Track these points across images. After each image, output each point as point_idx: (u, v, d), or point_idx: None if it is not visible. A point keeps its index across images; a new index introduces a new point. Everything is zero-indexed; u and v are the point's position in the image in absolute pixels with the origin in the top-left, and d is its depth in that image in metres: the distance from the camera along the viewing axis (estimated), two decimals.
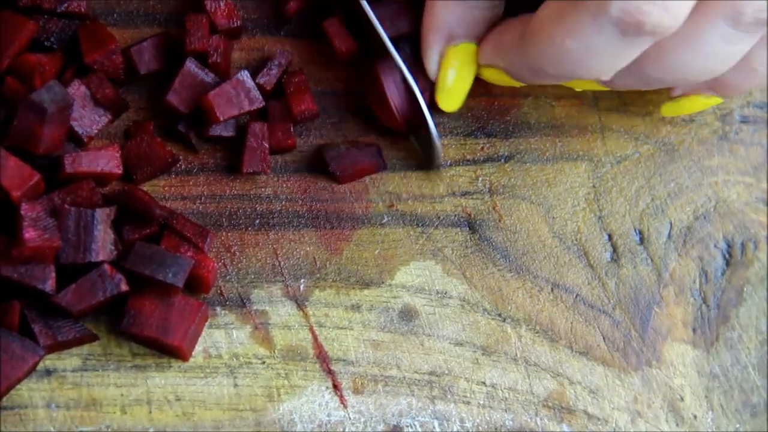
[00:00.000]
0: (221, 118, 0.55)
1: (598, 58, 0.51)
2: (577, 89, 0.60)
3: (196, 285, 0.54)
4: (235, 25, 0.58)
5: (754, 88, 0.59)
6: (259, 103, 0.56)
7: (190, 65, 0.56)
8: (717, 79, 0.55)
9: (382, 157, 0.59)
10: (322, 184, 0.58)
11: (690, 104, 0.59)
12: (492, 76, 0.57)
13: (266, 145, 0.57)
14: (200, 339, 0.54)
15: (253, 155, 0.57)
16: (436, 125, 0.58)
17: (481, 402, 0.56)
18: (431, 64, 0.57)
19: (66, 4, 0.56)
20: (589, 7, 0.49)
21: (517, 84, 0.57)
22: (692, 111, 0.59)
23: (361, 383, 0.56)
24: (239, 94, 0.56)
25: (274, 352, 0.55)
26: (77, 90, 0.55)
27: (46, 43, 0.56)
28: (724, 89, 0.57)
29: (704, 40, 0.51)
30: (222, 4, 0.58)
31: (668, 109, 0.60)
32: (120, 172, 0.54)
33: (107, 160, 0.54)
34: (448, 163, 0.60)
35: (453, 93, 0.57)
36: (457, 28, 0.56)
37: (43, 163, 0.53)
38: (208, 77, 0.56)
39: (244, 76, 0.56)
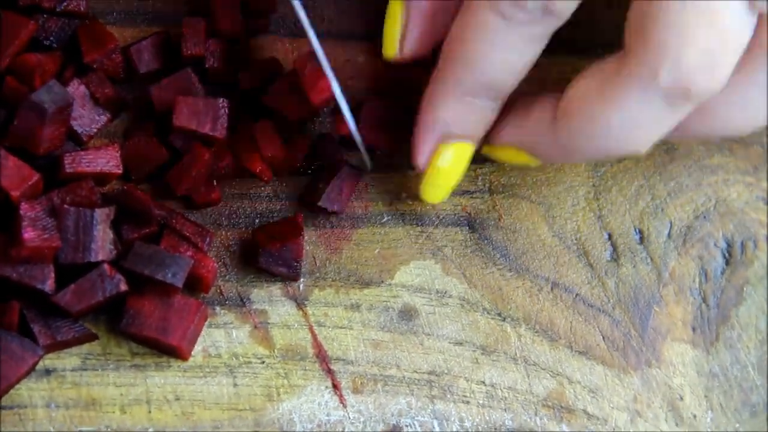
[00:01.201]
0: (176, 124, 0.54)
1: (641, 130, 0.50)
2: (508, 162, 0.58)
3: (195, 285, 0.54)
4: (237, 29, 0.57)
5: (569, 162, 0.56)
6: (221, 133, 0.55)
7: (190, 74, 0.56)
8: (528, 139, 0.54)
9: (356, 166, 0.58)
10: None
11: (505, 154, 0.57)
12: (507, 155, 0.56)
13: (193, 174, 0.54)
14: (200, 338, 0.54)
15: (181, 173, 0.55)
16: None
17: (481, 401, 0.56)
18: (421, 159, 0.55)
19: (66, 3, 0.56)
20: (637, 80, 0.48)
21: (535, 163, 0.56)
22: (511, 162, 0.57)
23: (361, 383, 0.56)
24: (207, 114, 0.55)
25: (273, 351, 0.55)
26: (77, 89, 0.55)
27: (45, 42, 0.56)
28: (535, 153, 0.55)
29: (751, 95, 0.51)
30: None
31: (488, 150, 0.57)
32: (120, 171, 0.54)
33: (107, 160, 0.53)
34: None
35: (441, 188, 0.56)
36: (455, 127, 0.54)
37: (42, 163, 0.53)
38: (199, 92, 0.56)
39: (222, 102, 0.55)
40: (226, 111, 0.55)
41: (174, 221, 0.54)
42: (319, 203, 0.56)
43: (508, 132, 0.55)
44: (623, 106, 0.49)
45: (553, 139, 0.53)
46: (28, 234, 0.50)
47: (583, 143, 0.51)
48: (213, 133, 0.55)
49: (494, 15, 0.50)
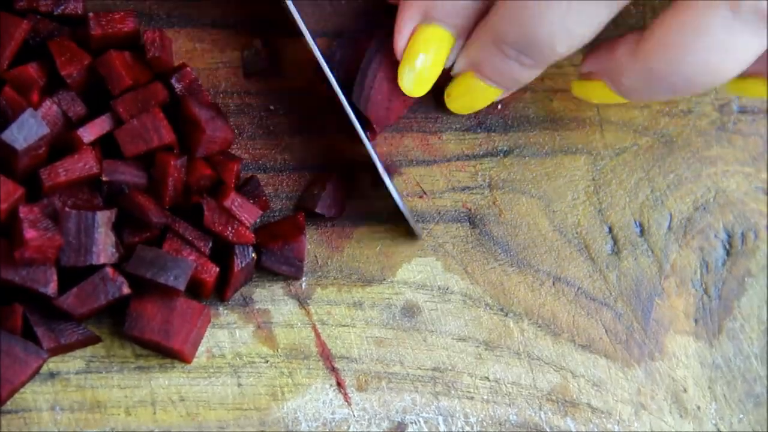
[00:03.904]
0: (128, 155, 0.53)
1: (727, 55, 0.50)
2: (594, 101, 0.58)
3: (198, 288, 0.54)
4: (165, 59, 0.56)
5: (653, 98, 0.54)
6: (169, 137, 0.54)
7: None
8: (613, 67, 0.53)
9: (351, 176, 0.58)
10: None
11: (592, 89, 0.56)
12: (594, 92, 0.56)
13: (169, 183, 0.54)
14: (203, 339, 0.54)
15: (160, 188, 0.54)
16: (435, 119, 0.59)
17: (485, 397, 0.56)
18: (400, 40, 0.54)
19: (63, 7, 0.56)
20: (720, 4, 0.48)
21: (618, 100, 0.55)
22: (597, 99, 0.56)
23: (365, 380, 0.56)
24: (147, 129, 0.53)
25: (277, 350, 0.55)
26: (49, 109, 0.53)
27: (30, 42, 0.55)
28: (618, 83, 0.53)
29: (705, 27, 0.49)
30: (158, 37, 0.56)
31: (577, 88, 0.57)
32: (97, 171, 0.53)
33: (83, 163, 0.53)
34: (448, 159, 0.60)
35: (419, 78, 0.55)
36: (434, 9, 0.53)
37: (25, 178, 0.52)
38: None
39: (154, 110, 0.54)
40: (162, 114, 0.54)
41: (176, 225, 0.54)
42: (317, 210, 0.57)
43: (592, 61, 0.55)
44: (708, 31, 0.49)
45: (639, 68, 0.52)
46: (30, 233, 0.50)
47: (669, 70, 0.50)
48: (162, 142, 0.54)
49: None
